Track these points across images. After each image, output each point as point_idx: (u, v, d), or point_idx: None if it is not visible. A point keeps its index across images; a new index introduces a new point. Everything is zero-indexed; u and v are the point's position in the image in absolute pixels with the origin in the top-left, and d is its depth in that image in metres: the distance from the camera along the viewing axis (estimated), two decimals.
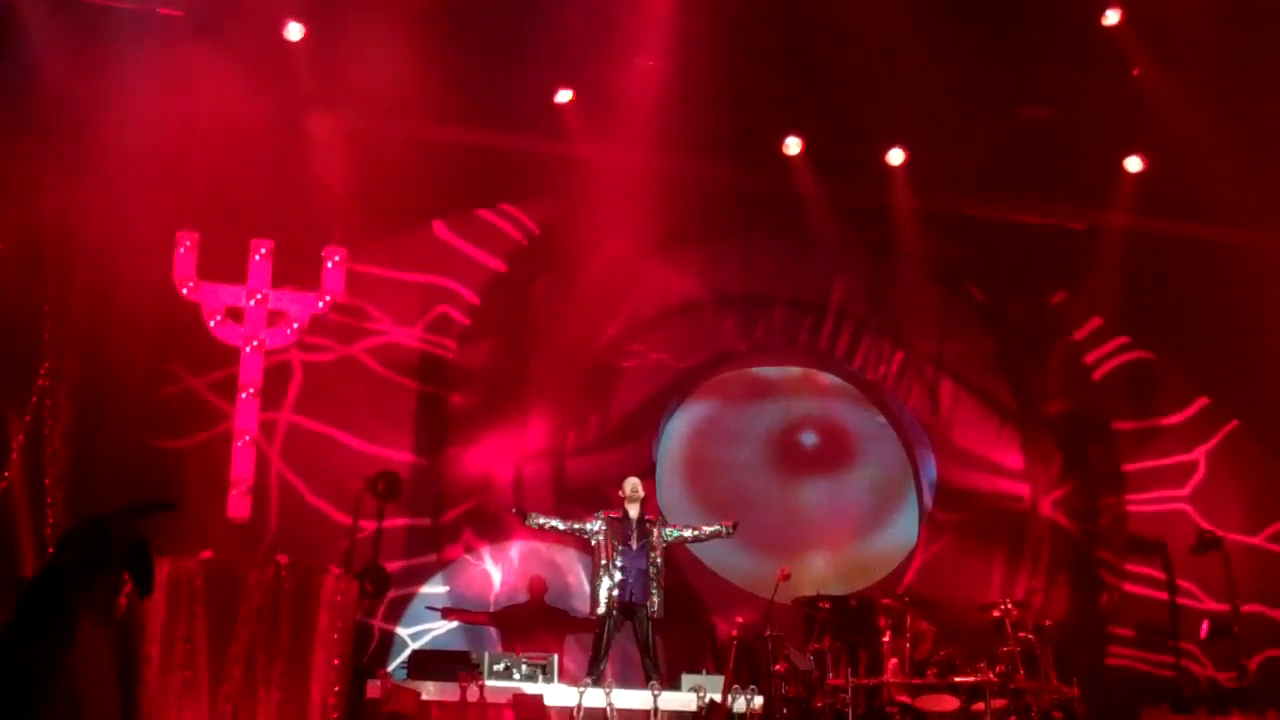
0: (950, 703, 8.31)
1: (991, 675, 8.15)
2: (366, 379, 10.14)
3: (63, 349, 8.81)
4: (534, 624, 9.69)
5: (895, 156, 10.58)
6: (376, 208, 9.87)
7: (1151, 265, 11.01)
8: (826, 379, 11.41)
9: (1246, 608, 10.38)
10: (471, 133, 10.14)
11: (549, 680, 8.05)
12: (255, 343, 9.49)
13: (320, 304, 9.73)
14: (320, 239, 9.71)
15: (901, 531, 11.18)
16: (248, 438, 9.33)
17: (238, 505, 9.16)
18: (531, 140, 10.20)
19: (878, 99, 9.60)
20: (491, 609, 10.02)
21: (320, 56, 9.42)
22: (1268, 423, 11.10)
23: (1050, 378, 11.42)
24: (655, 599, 8.31)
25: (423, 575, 10.04)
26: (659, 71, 9.59)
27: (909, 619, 8.58)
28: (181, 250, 9.37)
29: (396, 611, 9.88)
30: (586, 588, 9.09)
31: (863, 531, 11.13)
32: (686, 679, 8.19)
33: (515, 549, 10.23)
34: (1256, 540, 11.06)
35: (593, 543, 8.48)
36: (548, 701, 7.75)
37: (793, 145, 10.48)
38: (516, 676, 7.96)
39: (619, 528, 8.41)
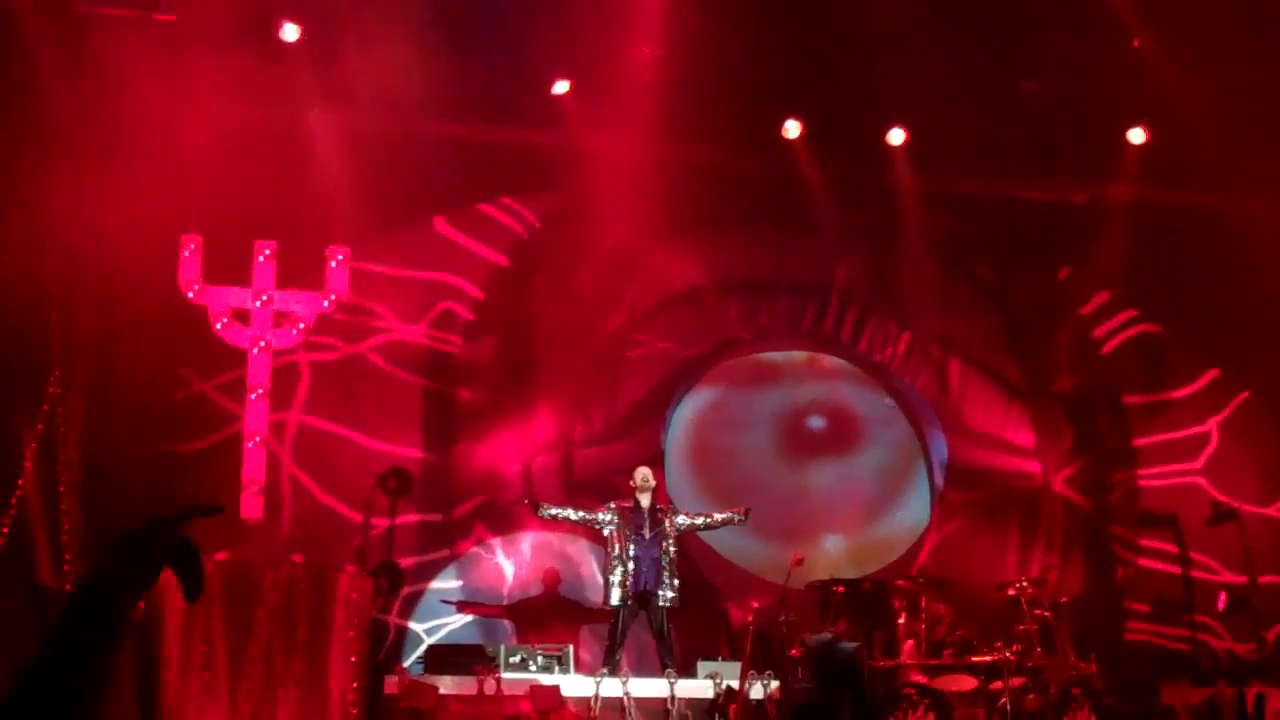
0: (968, 682, 8.31)
1: (1009, 654, 8.14)
2: (374, 377, 10.16)
3: (72, 356, 8.83)
4: (548, 616, 9.71)
5: (896, 136, 10.51)
6: (378, 206, 9.87)
7: (1158, 238, 10.92)
8: (832, 362, 11.38)
9: (1264, 579, 10.35)
10: (470, 128, 10.11)
11: (565, 671, 8.07)
12: (262, 344, 9.51)
13: (325, 303, 9.76)
14: (323, 239, 9.74)
15: (913, 513, 11.16)
16: (258, 439, 9.37)
17: (251, 506, 9.21)
18: (530, 133, 10.18)
19: (876, 79, 9.54)
20: (505, 602, 10.06)
21: (317, 56, 9.40)
22: (1279, 393, 11.05)
23: (1059, 353, 11.35)
24: (669, 587, 8.31)
25: (436, 570, 10.08)
26: (655, 59, 9.55)
27: (924, 600, 8.57)
28: (186, 254, 9.40)
29: (411, 607, 9.92)
30: (600, 579, 9.10)
31: (874, 514, 11.11)
32: (703, 666, 8.21)
33: (527, 542, 10.24)
34: (1271, 511, 10.99)
35: (605, 533, 8.48)
36: (565, 692, 7.77)
37: (792, 129, 10.43)
38: (533, 668, 7.98)
39: (631, 517, 8.40)
